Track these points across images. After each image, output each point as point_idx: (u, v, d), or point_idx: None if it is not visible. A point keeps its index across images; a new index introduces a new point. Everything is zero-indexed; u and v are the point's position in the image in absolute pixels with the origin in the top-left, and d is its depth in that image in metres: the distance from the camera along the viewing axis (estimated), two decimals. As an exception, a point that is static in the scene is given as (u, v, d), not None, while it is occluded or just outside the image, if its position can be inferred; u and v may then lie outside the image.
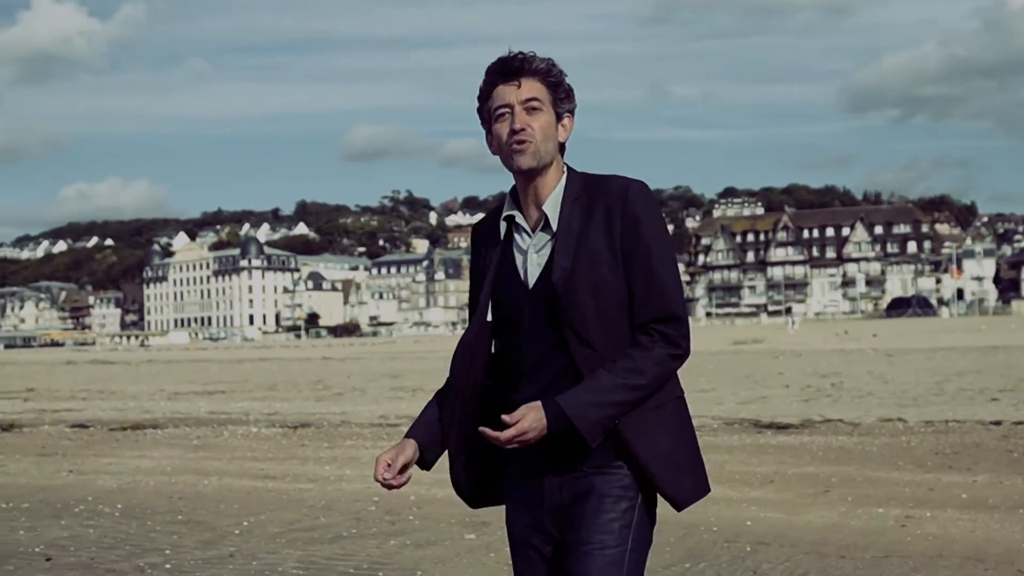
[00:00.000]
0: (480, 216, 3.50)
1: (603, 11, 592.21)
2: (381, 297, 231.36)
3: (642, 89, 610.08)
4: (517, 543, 3.30)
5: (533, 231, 3.22)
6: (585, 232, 3.14)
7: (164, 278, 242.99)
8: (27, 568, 7.80)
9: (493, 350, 3.31)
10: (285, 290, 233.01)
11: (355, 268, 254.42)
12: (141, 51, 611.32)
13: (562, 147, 3.26)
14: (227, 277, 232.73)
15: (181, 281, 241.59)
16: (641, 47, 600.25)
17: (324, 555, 7.91)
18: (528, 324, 3.17)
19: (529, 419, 3.03)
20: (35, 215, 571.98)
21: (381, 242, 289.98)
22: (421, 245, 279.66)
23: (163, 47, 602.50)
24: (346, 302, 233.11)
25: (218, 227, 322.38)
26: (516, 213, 3.25)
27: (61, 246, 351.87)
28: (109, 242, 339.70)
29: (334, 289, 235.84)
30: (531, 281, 3.17)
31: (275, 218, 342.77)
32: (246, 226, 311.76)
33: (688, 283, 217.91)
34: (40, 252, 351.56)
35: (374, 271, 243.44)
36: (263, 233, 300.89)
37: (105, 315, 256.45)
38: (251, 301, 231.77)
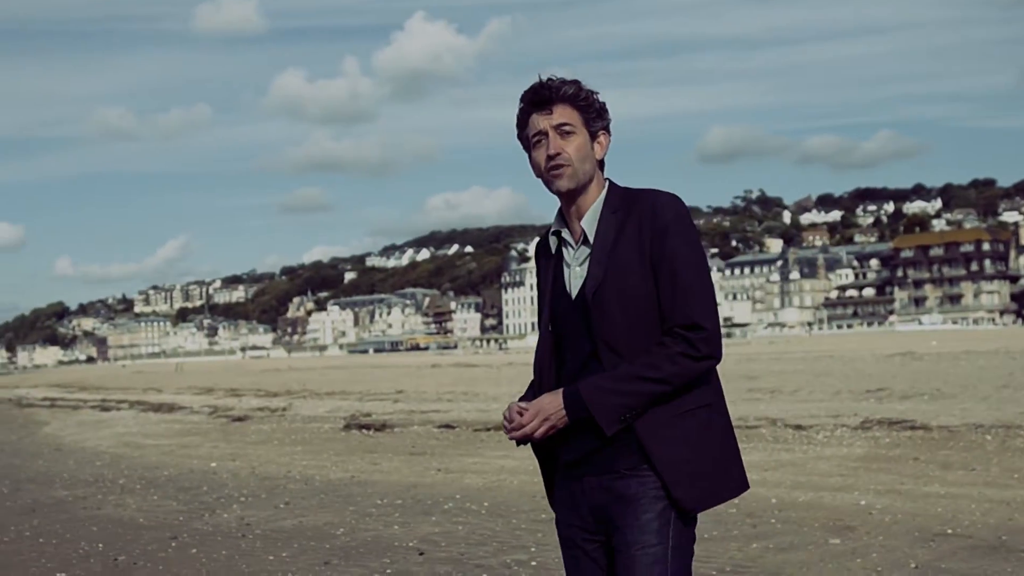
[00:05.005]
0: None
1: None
2: (735, 298, 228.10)
3: (1011, 74, 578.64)
4: (565, 544, 3.45)
5: (576, 245, 3.37)
6: (617, 244, 3.27)
7: (521, 283, 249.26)
8: (402, 562, 8.17)
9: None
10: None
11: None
12: (504, 63, 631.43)
13: (601, 163, 3.42)
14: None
15: (536, 285, 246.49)
16: (1009, 30, 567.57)
17: (686, 557, 7.86)
18: (571, 334, 3.36)
19: (545, 401, 3.27)
20: (404, 225, 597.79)
21: (733, 243, 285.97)
22: (774, 245, 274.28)
23: (525, 58, 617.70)
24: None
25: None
26: (563, 229, 3.44)
27: (424, 254, 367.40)
28: (469, 249, 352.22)
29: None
30: (574, 293, 3.36)
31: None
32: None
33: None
34: (405, 260, 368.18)
35: (727, 272, 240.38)
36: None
37: (466, 319, 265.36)
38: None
